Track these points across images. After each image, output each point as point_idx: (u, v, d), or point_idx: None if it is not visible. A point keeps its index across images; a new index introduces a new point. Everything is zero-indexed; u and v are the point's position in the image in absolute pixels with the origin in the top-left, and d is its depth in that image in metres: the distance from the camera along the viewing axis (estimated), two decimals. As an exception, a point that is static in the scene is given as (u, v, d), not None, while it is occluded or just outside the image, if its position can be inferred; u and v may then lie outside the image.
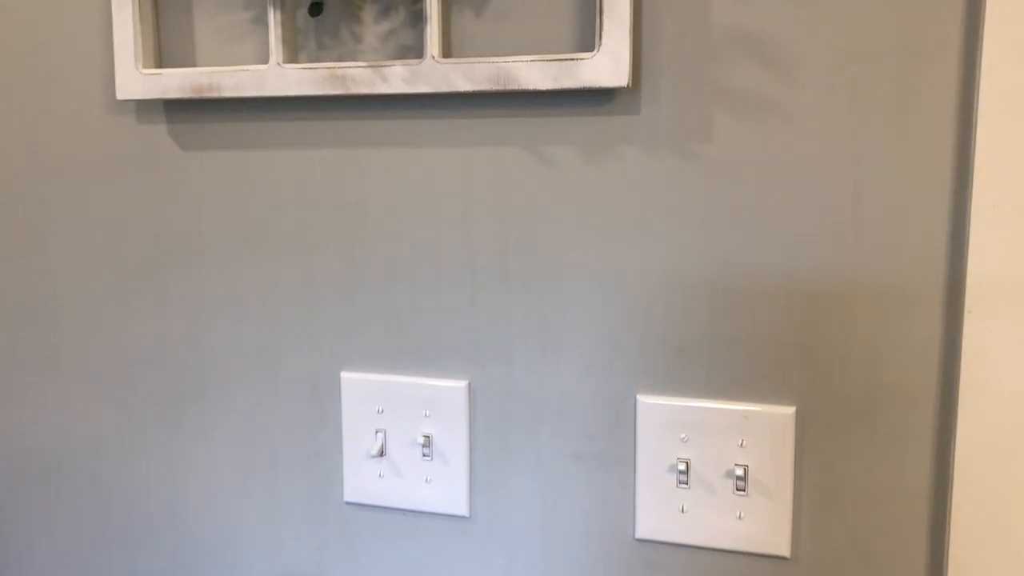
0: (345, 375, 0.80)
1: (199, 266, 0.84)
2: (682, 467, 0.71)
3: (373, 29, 0.76)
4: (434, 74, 0.71)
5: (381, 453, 0.79)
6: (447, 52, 0.74)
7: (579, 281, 0.73)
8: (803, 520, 0.70)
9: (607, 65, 0.67)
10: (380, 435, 0.80)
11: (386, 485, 0.80)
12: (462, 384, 0.77)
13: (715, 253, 0.70)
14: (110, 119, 0.84)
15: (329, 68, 0.73)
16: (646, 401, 0.72)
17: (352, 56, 0.77)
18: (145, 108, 0.83)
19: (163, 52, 0.82)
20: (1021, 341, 0.63)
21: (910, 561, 0.68)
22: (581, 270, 0.73)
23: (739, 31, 0.67)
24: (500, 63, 0.69)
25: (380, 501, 0.81)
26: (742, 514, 0.71)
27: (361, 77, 0.73)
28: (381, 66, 0.72)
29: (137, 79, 0.79)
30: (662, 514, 0.73)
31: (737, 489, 0.70)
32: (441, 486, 0.79)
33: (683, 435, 0.71)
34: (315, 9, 0.75)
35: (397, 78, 0.72)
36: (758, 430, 0.70)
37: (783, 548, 0.70)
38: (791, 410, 0.69)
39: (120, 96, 0.79)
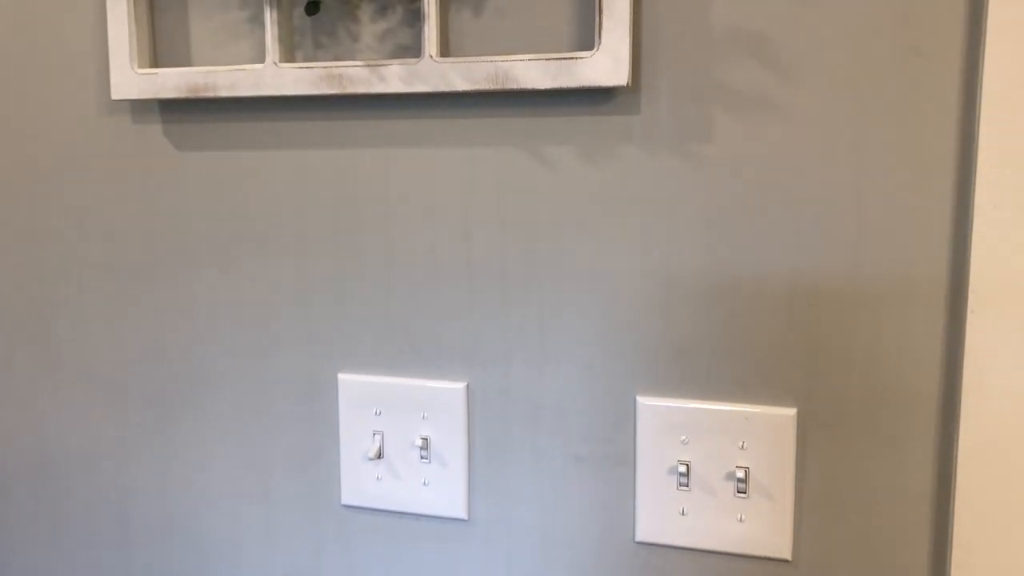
0: (342, 377, 0.80)
1: (195, 267, 0.83)
2: (682, 469, 0.71)
3: (370, 28, 0.75)
4: (432, 73, 0.70)
5: (379, 455, 0.79)
6: (445, 51, 0.73)
7: (578, 281, 0.73)
8: (804, 523, 0.70)
9: (607, 64, 0.66)
10: (378, 437, 0.79)
11: (384, 488, 0.80)
12: (460, 386, 0.77)
13: (716, 253, 0.69)
14: (105, 119, 0.84)
15: (326, 67, 0.73)
16: (646, 402, 0.72)
17: (349, 55, 0.76)
18: (140, 108, 0.83)
19: (158, 51, 0.82)
20: (1024, 342, 0.62)
21: (912, 564, 0.68)
22: (580, 270, 0.73)
23: (740, 30, 0.66)
24: (499, 62, 0.69)
25: (378, 504, 0.80)
26: (743, 516, 0.70)
27: (358, 77, 0.72)
28: (378, 65, 0.72)
29: (132, 79, 0.78)
30: (662, 517, 0.72)
31: (738, 491, 0.70)
32: (439, 489, 0.78)
33: (683, 437, 0.71)
34: (312, 8, 0.74)
35: (395, 77, 0.71)
36: (759, 432, 0.69)
37: (784, 551, 0.70)
38: (792, 411, 0.69)
39: (115, 96, 0.79)
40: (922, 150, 0.64)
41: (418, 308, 0.77)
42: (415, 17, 0.74)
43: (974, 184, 0.62)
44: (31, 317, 0.89)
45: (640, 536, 0.73)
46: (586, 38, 0.70)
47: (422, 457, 0.78)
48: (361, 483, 0.80)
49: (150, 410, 0.87)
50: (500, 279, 0.75)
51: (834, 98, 0.65)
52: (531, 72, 0.68)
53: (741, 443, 0.70)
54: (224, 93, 0.76)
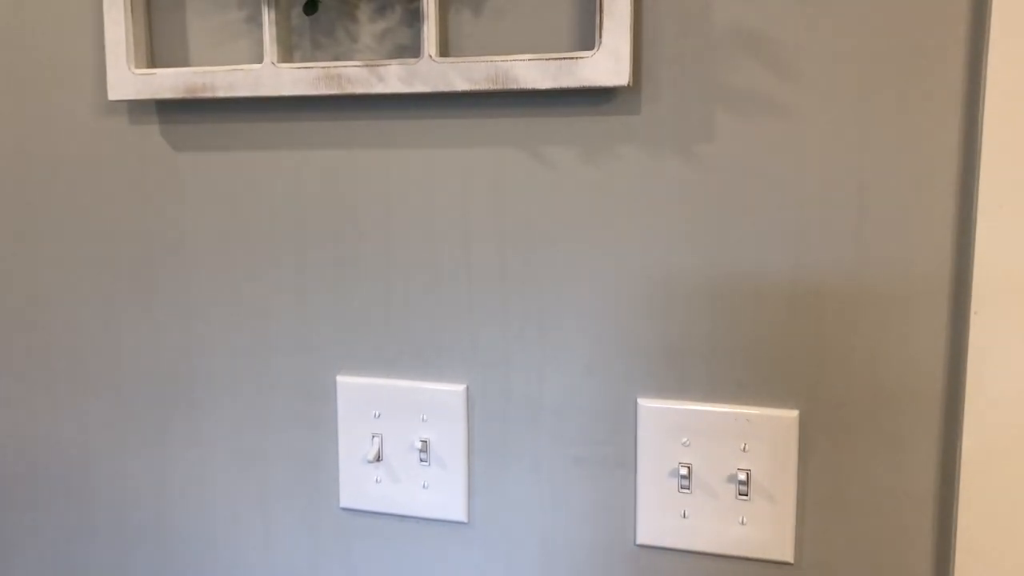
0: (341, 379, 0.79)
1: (192, 268, 0.83)
2: (684, 471, 0.70)
3: (369, 28, 0.75)
4: (431, 73, 0.70)
5: (378, 458, 0.79)
6: (444, 51, 0.73)
7: (578, 282, 0.72)
8: (806, 525, 0.70)
9: (607, 64, 0.66)
10: (377, 440, 0.79)
11: (383, 490, 0.79)
12: (460, 388, 0.76)
13: (717, 254, 0.69)
14: (102, 120, 0.83)
15: (324, 68, 0.72)
16: (647, 404, 0.71)
17: (348, 55, 0.76)
18: (137, 108, 0.82)
19: (155, 52, 0.81)
20: (1028, 343, 0.62)
21: (915, 566, 0.67)
22: (580, 271, 0.72)
23: (741, 29, 0.66)
24: (498, 62, 0.68)
25: (377, 507, 0.80)
26: (744, 519, 0.70)
27: (357, 77, 0.72)
28: (377, 65, 0.71)
29: (129, 79, 0.78)
30: (663, 519, 0.72)
31: (739, 494, 0.69)
32: (439, 491, 0.78)
33: (684, 439, 0.71)
34: (310, 8, 0.74)
35: (394, 78, 0.71)
36: (761, 434, 0.69)
37: (786, 553, 0.70)
38: (794, 413, 0.68)
39: (112, 96, 0.79)
40: (925, 149, 0.64)
41: (417, 309, 0.77)
42: (414, 17, 0.74)
43: (977, 183, 0.62)
44: (25, 318, 0.89)
45: (641, 539, 0.73)
46: (586, 38, 0.70)
47: (421, 460, 0.78)
48: (360, 486, 0.80)
49: (145, 412, 0.86)
50: (500, 280, 0.74)
51: (836, 97, 0.65)
52: (531, 72, 0.68)
53: (743, 445, 0.69)
54: (222, 93, 0.76)
